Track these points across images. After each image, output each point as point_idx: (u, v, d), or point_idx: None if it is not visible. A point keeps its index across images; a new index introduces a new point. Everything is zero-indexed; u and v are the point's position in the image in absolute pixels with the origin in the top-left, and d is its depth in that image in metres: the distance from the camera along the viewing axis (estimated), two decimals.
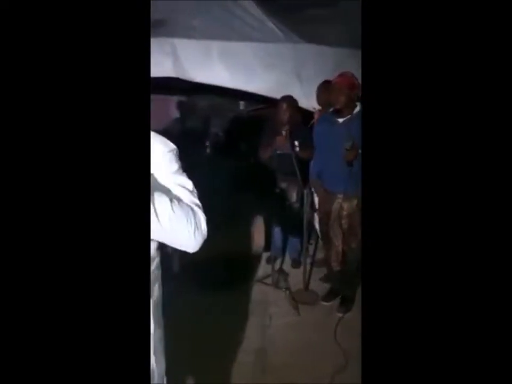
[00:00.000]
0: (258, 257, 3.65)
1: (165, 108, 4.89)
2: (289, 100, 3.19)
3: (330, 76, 2.88)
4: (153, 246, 1.08)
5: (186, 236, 0.99)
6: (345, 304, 2.88)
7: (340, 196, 2.75)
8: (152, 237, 0.98)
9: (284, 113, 3.16)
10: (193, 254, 1.05)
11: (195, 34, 3.29)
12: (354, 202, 2.69)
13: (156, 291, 1.11)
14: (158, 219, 0.91)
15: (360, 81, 2.54)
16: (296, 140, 3.10)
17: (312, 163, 3.11)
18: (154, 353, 1.11)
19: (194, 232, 0.99)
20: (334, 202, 2.80)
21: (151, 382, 1.10)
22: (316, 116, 3.28)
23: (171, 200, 0.95)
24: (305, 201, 3.05)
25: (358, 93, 2.61)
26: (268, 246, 3.63)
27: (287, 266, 3.55)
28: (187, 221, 0.97)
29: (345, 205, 2.74)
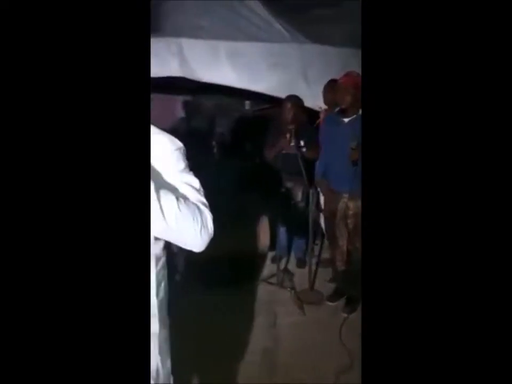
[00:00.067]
0: (263, 257, 3.66)
1: (171, 107, 4.90)
2: (294, 100, 3.19)
3: (336, 76, 2.88)
4: (159, 246, 1.08)
5: (193, 234, 0.97)
6: (351, 304, 2.88)
7: (346, 195, 2.74)
8: (158, 235, 0.98)
9: (289, 113, 3.16)
10: (198, 253, 1.04)
11: (202, 34, 3.30)
12: (360, 202, 2.68)
13: (161, 291, 1.11)
14: (164, 217, 0.89)
15: None
16: (302, 139, 3.10)
17: (317, 163, 3.11)
18: (160, 353, 1.11)
19: (201, 231, 0.98)
20: (339, 201, 2.79)
21: (157, 382, 1.10)
22: (321, 116, 3.28)
23: (177, 199, 0.94)
24: (310, 201, 3.04)
25: None
26: (273, 245, 3.63)
27: (292, 266, 3.55)
28: (193, 219, 0.96)
29: (351, 205, 2.74)
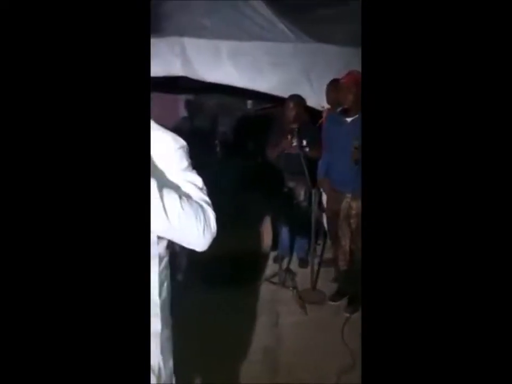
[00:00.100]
0: (265, 257, 3.65)
1: (174, 106, 4.91)
2: (297, 99, 3.19)
3: (339, 75, 2.87)
4: (162, 245, 1.07)
5: (196, 233, 0.96)
6: (353, 304, 2.87)
7: (349, 195, 2.73)
8: (161, 234, 0.98)
9: (291, 112, 3.15)
10: (200, 252, 1.03)
11: (204, 34, 3.30)
12: None
13: (164, 291, 1.10)
14: (167, 216, 0.89)
15: None
16: (304, 139, 3.09)
17: (320, 162, 3.10)
18: (162, 353, 1.10)
19: (204, 230, 0.97)
20: (342, 201, 2.78)
21: (160, 382, 1.10)
22: (323, 115, 3.28)
23: (180, 197, 0.93)
24: (313, 201, 3.04)
25: None
26: (275, 245, 3.63)
27: (294, 265, 3.55)
28: (196, 218, 0.95)
29: (354, 204, 2.73)
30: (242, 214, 3.95)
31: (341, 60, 3.27)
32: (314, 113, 3.41)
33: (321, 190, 3.12)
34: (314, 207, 3.05)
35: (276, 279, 3.25)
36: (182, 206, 0.92)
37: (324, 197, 3.16)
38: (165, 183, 0.95)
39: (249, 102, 5.00)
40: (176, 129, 1.07)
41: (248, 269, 3.36)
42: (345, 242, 2.85)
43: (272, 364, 2.33)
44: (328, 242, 3.47)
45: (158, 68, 3.24)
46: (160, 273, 1.07)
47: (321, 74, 3.30)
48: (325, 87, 3.21)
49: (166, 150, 1.00)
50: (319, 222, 3.39)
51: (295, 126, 3.04)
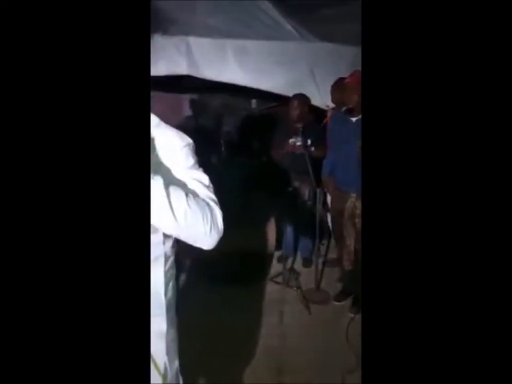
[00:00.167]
0: (269, 256, 3.65)
1: (178, 105, 4.91)
2: (301, 98, 3.18)
3: (344, 74, 2.87)
4: (168, 245, 1.06)
5: (202, 231, 0.95)
6: (357, 304, 2.87)
7: (353, 194, 2.73)
8: (167, 232, 0.97)
9: (295, 111, 3.15)
10: (205, 251, 1.02)
11: (210, 33, 3.30)
12: None
13: (169, 290, 1.10)
14: (173, 214, 0.88)
15: None
16: (309, 138, 3.09)
17: (324, 162, 3.10)
18: (168, 353, 1.10)
19: (211, 229, 0.95)
20: (347, 201, 2.78)
21: (166, 382, 1.10)
22: (328, 114, 3.27)
23: (187, 195, 0.92)
24: (317, 200, 3.04)
25: None
26: (279, 244, 3.63)
27: (298, 265, 3.55)
28: (203, 216, 0.94)
29: (359, 204, 2.72)
30: (247, 214, 3.94)
31: (346, 59, 3.27)
32: (319, 113, 3.41)
33: (326, 189, 3.11)
34: (319, 206, 3.04)
35: (280, 279, 3.25)
36: (188, 204, 0.91)
37: (329, 197, 3.16)
38: (171, 181, 0.94)
39: (254, 101, 4.99)
40: (181, 128, 1.07)
41: (252, 269, 3.36)
42: (350, 242, 2.84)
43: (276, 364, 2.33)
44: (333, 242, 3.46)
45: (163, 67, 3.25)
46: (165, 273, 1.06)
47: (326, 74, 3.30)
48: (329, 86, 3.21)
49: (172, 147, 1.00)
50: (324, 222, 3.38)
51: (299, 125, 3.04)
